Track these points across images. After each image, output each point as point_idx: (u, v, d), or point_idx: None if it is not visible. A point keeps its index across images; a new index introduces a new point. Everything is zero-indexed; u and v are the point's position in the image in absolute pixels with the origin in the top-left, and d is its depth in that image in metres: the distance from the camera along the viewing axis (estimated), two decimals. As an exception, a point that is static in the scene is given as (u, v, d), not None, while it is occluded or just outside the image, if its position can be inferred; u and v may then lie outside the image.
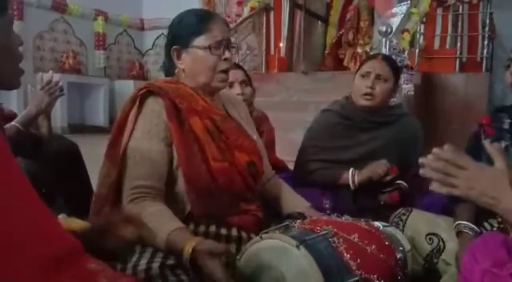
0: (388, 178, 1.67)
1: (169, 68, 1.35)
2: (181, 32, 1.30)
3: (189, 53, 1.29)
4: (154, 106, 1.24)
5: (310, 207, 1.42)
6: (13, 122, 1.65)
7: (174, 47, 1.30)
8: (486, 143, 0.90)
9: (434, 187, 0.88)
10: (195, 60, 1.28)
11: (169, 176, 1.22)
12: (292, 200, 1.46)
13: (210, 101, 1.32)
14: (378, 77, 1.76)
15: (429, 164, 0.87)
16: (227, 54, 1.30)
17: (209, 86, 1.31)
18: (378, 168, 1.67)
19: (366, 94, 1.76)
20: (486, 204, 0.85)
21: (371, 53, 4.21)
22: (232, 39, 1.39)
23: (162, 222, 1.11)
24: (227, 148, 1.26)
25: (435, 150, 0.88)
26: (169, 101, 1.22)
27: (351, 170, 1.71)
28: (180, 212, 1.19)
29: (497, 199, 0.84)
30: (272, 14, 5.25)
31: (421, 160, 0.89)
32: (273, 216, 1.38)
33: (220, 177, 1.21)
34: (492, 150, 0.89)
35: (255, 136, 1.41)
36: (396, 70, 1.83)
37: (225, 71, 1.31)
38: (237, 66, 1.99)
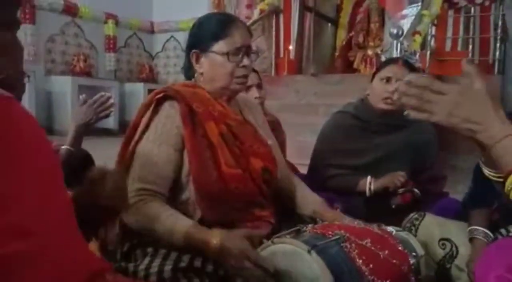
0: (402, 190, 1.65)
1: (188, 71, 1.35)
2: (201, 36, 1.30)
3: (207, 58, 1.28)
4: (169, 111, 1.23)
5: (322, 202, 1.41)
6: (63, 146, 1.62)
7: (193, 51, 1.30)
8: (463, 63, 0.80)
9: (412, 114, 0.79)
10: (213, 65, 1.28)
11: (178, 182, 1.22)
12: (306, 196, 1.45)
13: (227, 106, 1.31)
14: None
15: (404, 90, 0.78)
16: (245, 61, 1.28)
17: (227, 89, 1.30)
18: (396, 179, 1.65)
19: (387, 98, 1.75)
20: (469, 131, 0.76)
21: (382, 55, 4.18)
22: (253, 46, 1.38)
23: (178, 219, 1.11)
24: (242, 154, 1.25)
25: (408, 76, 0.79)
26: (185, 106, 1.22)
27: (368, 177, 1.70)
28: (189, 218, 1.19)
29: (482, 124, 0.75)
30: (281, 16, 5.24)
31: (396, 87, 0.81)
32: (286, 220, 1.37)
33: (233, 183, 1.20)
34: (468, 70, 0.78)
35: (270, 141, 1.40)
36: None
37: (243, 76, 1.31)
38: (252, 69, 2.00)
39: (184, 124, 1.21)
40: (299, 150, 2.22)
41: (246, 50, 1.29)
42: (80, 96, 1.66)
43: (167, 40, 7.45)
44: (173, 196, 1.21)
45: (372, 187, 1.69)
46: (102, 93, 1.64)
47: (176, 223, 1.10)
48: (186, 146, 1.20)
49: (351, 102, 1.93)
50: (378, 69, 1.86)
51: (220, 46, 1.26)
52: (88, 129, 1.65)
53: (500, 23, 4.33)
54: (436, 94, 0.77)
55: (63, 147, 1.63)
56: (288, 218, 1.41)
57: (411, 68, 1.82)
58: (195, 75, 1.32)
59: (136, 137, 1.24)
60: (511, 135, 0.74)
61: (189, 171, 1.20)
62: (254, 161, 1.27)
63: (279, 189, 1.41)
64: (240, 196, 1.22)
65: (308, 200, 1.43)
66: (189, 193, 1.20)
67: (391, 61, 1.91)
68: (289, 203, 1.44)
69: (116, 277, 0.64)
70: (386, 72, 1.78)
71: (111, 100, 1.64)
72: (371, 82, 1.83)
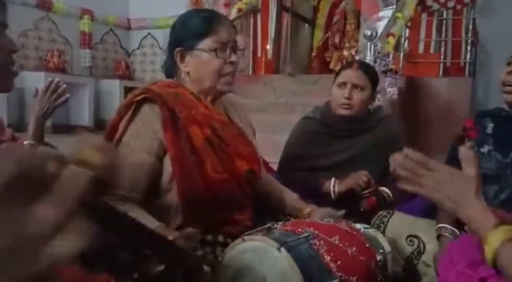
0: (366, 192, 1.67)
1: (170, 69, 1.32)
2: (185, 34, 1.27)
3: (193, 56, 1.25)
4: (148, 116, 1.20)
5: (298, 198, 1.46)
6: (26, 142, 1.55)
7: (177, 49, 1.26)
8: (462, 149, 0.91)
9: (402, 183, 0.89)
10: (200, 63, 1.25)
11: (157, 187, 1.20)
12: (283, 193, 1.48)
13: (212, 107, 1.29)
14: (354, 86, 1.77)
15: (401, 162, 0.89)
16: (233, 57, 1.26)
17: (214, 89, 1.28)
18: (360, 179, 1.67)
19: (343, 104, 1.77)
20: (449, 208, 0.86)
21: (356, 56, 4.25)
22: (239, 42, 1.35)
23: (146, 220, 1.11)
24: (228, 156, 1.24)
25: (406, 150, 0.90)
26: (166, 110, 1.18)
27: (332, 180, 1.72)
28: (167, 223, 1.17)
29: (460, 204, 0.85)
30: (259, 16, 5.26)
31: (392, 157, 0.90)
32: (260, 219, 1.38)
33: (219, 188, 1.19)
34: (464, 156, 0.89)
35: (254, 141, 1.39)
36: (373, 77, 1.83)
37: (231, 74, 1.28)
38: None
39: (165, 130, 1.17)
40: (276, 148, 2.24)
41: (232, 45, 1.27)
42: (35, 88, 1.60)
43: (144, 37, 7.36)
44: (150, 201, 1.20)
45: (336, 189, 1.70)
46: (50, 79, 1.60)
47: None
48: (169, 152, 1.17)
49: (318, 106, 1.96)
50: (336, 75, 1.88)
51: (206, 43, 1.23)
52: (46, 119, 1.60)
53: (471, 27, 4.46)
54: (427, 170, 0.87)
55: (25, 142, 1.58)
56: (262, 217, 1.43)
57: (367, 70, 1.84)
58: (180, 74, 1.29)
59: (115, 141, 1.21)
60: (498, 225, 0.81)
61: (171, 177, 1.17)
62: (240, 163, 1.25)
63: (258, 188, 1.43)
64: (224, 201, 1.21)
65: (285, 197, 1.46)
66: (171, 198, 1.18)
67: (347, 65, 1.93)
68: (265, 201, 1.46)
69: None
70: (341, 77, 1.81)
71: (63, 85, 1.59)
72: (332, 88, 1.86)
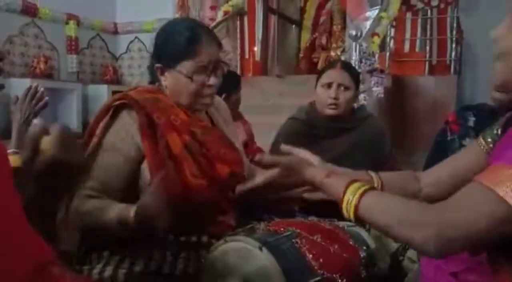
0: None
1: (153, 73, 1.32)
2: (166, 52, 1.26)
3: (171, 74, 1.25)
4: (126, 120, 1.20)
5: None
6: (9, 150, 1.56)
7: (157, 65, 1.26)
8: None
9: None
10: (177, 83, 1.24)
11: (135, 191, 1.20)
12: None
13: (192, 113, 1.28)
14: (340, 86, 1.79)
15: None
16: (211, 80, 1.24)
17: (190, 108, 1.28)
18: None
19: (331, 104, 1.79)
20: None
21: (342, 57, 4.27)
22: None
23: (110, 207, 1.11)
24: (208, 161, 1.23)
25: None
26: (144, 117, 1.18)
27: None
28: None
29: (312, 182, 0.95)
30: (245, 18, 5.27)
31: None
32: (246, 220, 1.38)
33: (198, 193, 1.18)
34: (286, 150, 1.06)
35: (237, 144, 1.38)
36: (355, 76, 1.86)
37: (210, 95, 1.27)
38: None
39: (143, 136, 1.17)
40: (266, 151, 2.25)
41: (213, 66, 1.25)
42: (12, 96, 1.60)
43: (131, 42, 7.33)
44: (133, 202, 1.19)
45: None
46: (29, 85, 1.60)
47: (109, 205, 1.10)
48: (147, 158, 1.17)
49: (303, 107, 1.97)
50: (319, 76, 1.89)
51: (184, 66, 1.22)
52: (29, 125, 1.59)
53: (455, 25, 4.50)
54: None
55: (9, 151, 1.56)
56: (247, 217, 1.43)
57: (351, 70, 1.86)
58: (161, 84, 1.29)
59: (91, 146, 1.21)
60: (325, 178, 0.93)
61: (150, 182, 1.16)
62: (221, 167, 1.24)
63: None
64: (204, 206, 1.21)
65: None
66: None
67: (330, 66, 1.96)
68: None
69: (63, 271, 0.63)
70: (326, 78, 1.83)
71: (42, 89, 1.59)
72: (315, 89, 1.87)
